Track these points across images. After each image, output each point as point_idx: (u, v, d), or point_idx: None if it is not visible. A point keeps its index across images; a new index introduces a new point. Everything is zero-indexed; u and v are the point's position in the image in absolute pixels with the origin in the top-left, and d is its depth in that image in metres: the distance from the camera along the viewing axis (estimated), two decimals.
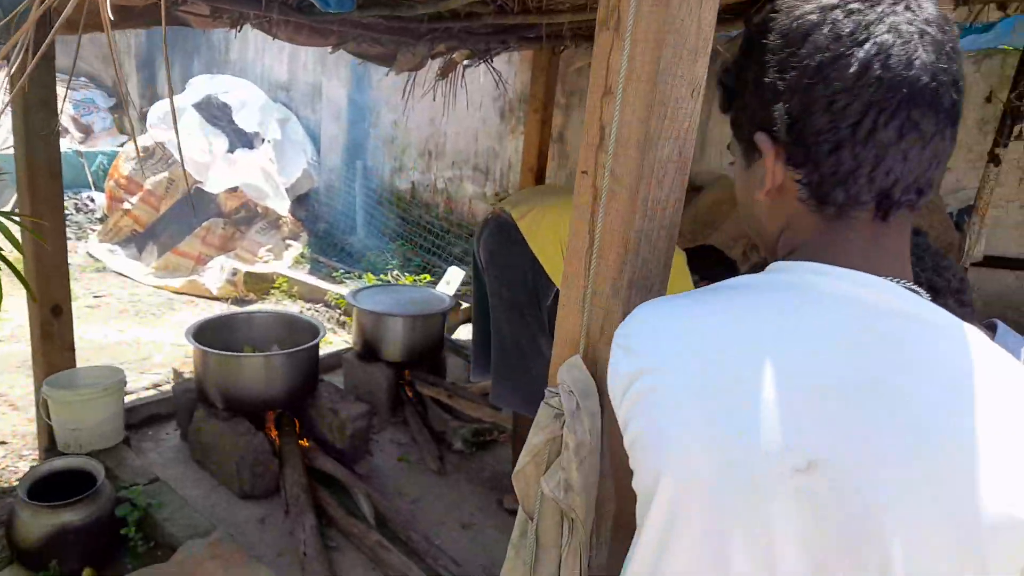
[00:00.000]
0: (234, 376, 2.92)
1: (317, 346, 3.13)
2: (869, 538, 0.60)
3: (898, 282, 0.68)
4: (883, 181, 0.66)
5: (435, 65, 4.70)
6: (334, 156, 6.73)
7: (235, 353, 2.99)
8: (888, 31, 0.63)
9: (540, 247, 2.40)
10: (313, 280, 5.55)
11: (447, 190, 6.14)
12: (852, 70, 0.63)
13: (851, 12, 0.65)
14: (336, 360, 3.95)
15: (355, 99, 6.48)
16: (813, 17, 0.66)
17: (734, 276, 0.74)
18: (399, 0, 2.70)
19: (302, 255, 6.10)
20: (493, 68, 4.18)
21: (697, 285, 2.48)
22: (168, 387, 3.70)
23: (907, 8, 0.65)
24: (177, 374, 3.76)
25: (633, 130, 1.05)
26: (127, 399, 3.09)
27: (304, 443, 3.06)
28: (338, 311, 5.18)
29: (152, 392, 3.66)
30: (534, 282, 2.42)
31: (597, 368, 1.13)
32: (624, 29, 1.01)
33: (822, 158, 0.67)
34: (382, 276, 5.58)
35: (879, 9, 0.64)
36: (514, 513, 3.10)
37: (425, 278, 5.52)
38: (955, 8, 3.14)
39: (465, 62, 4.61)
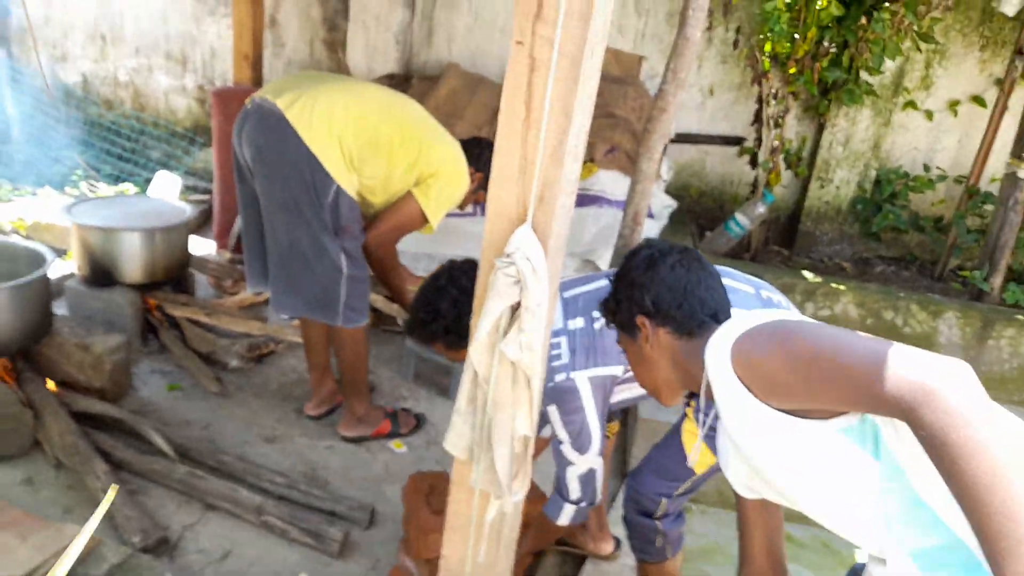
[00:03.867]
0: None
1: (47, 276, 2.59)
2: None
3: None
4: (708, 312, 1.27)
5: None
6: None
7: None
8: (679, 253, 1.29)
9: (314, 138, 2.26)
10: None
11: (133, 83, 5.24)
12: (675, 273, 1.25)
13: (663, 252, 1.28)
14: (56, 290, 3.30)
15: None
16: (647, 257, 1.28)
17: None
18: None
19: None
20: None
21: (472, 179, 2.57)
22: None
23: (695, 260, 1.29)
24: None
25: (576, 2, 1.08)
26: None
27: (53, 388, 2.58)
28: (17, 236, 4.24)
29: None
30: (312, 177, 2.28)
31: (539, 233, 1.19)
32: None
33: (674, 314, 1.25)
34: (71, 191, 4.67)
35: (675, 256, 1.27)
36: (317, 418, 3.10)
37: (125, 190, 4.76)
38: None
39: None
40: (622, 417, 1.91)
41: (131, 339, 2.99)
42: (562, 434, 1.69)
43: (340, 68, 4.80)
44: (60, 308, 3.21)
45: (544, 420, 2.02)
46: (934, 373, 0.84)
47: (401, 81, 4.54)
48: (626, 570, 2.25)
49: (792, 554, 2.41)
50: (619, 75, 4.36)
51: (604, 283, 1.77)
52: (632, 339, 1.30)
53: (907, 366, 0.86)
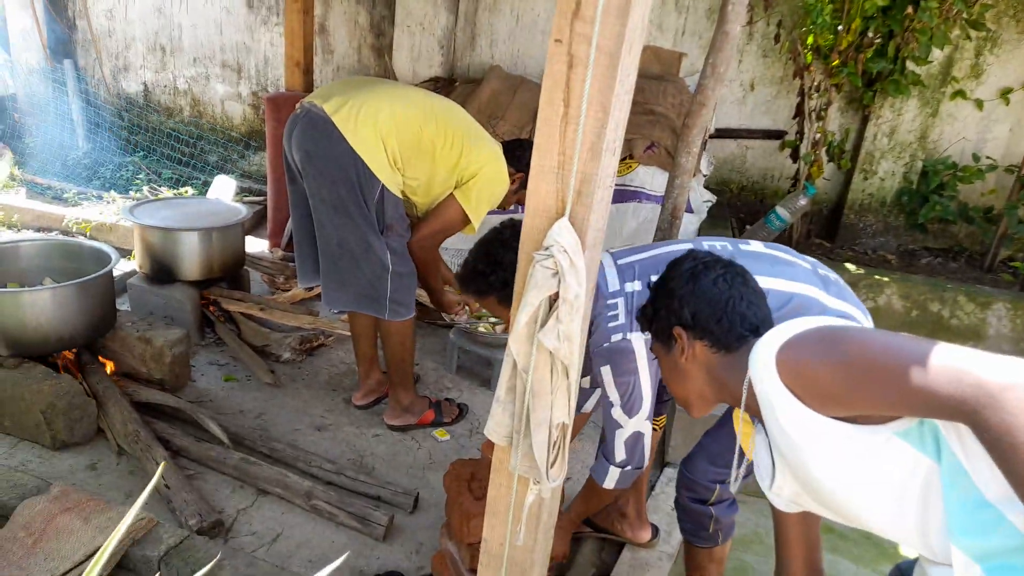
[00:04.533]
0: (19, 316, 2.48)
1: (111, 273, 2.75)
2: None
3: None
4: (748, 326, 1.27)
5: None
6: (30, 55, 5.55)
7: (18, 289, 2.51)
8: (723, 267, 1.30)
9: (361, 141, 2.35)
10: (39, 205, 4.69)
11: (191, 91, 5.46)
12: (717, 287, 1.28)
13: (707, 266, 1.31)
14: (119, 286, 3.48)
15: None
16: (689, 270, 1.31)
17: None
18: None
19: (12, 177, 5.07)
20: None
21: (512, 179, 2.61)
22: None
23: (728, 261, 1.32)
24: None
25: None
26: None
27: (116, 380, 2.74)
28: (83, 238, 4.47)
29: None
30: (358, 179, 2.37)
31: (577, 227, 1.24)
32: None
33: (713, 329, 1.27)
34: (134, 194, 4.90)
35: (718, 271, 1.29)
36: (364, 408, 3.19)
37: (185, 192, 4.97)
38: None
39: None
40: (668, 411, 1.94)
41: (190, 333, 3.14)
42: (613, 396, 1.71)
43: (386, 72, 4.92)
44: (124, 304, 3.40)
45: (592, 386, 2.06)
46: (995, 375, 0.82)
47: (445, 84, 4.64)
48: (664, 558, 2.29)
49: (832, 545, 2.42)
50: (659, 72, 4.37)
51: (660, 251, 1.79)
52: (667, 349, 1.32)
53: (966, 369, 0.84)
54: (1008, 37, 3.92)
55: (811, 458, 1.05)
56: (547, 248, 1.22)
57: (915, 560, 1.19)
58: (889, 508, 1.02)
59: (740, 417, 1.34)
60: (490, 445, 2.11)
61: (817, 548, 1.30)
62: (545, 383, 1.27)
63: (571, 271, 1.20)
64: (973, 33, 3.77)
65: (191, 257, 3.25)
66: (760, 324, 1.24)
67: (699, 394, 1.31)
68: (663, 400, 2.05)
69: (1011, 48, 3.94)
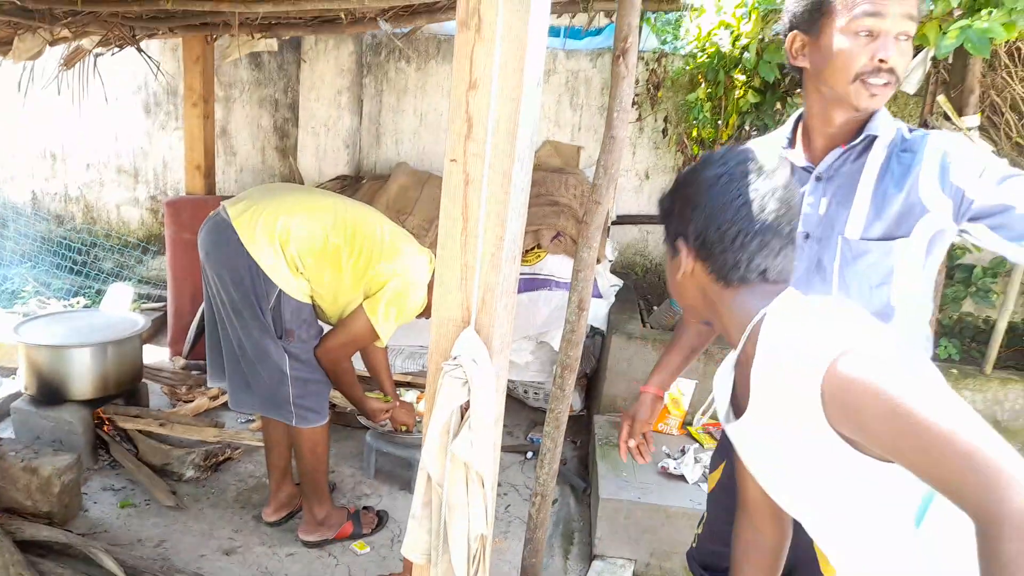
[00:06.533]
0: None
1: None
2: None
3: None
4: (755, 269, 1.09)
5: (57, 53, 4.03)
6: None
7: None
8: (753, 190, 1.08)
9: (257, 246, 2.33)
10: None
11: (84, 197, 5.27)
12: (734, 212, 1.08)
13: (733, 178, 1.09)
14: (2, 410, 3.22)
15: None
16: (713, 177, 1.10)
17: None
18: None
19: None
20: (149, 57, 3.75)
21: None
22: None
23: (767, 178, 1.09)
24: None
25: (503, 121, 1.20)
26: None
27: None
28: None
29: None
30: (252, 284, 2.34)
31: (483, 335, 1.26)
32: (489, 31, 1.15)
33: (716, 256, 1.11)
34: (20, 307, 4.60)
35: (750, 177, 1.08)
36: (276, 524, 3.05)
37: (77, 303, 4.72)
38: (574, 16, 3.83)
39: (98, 50, 4.04)
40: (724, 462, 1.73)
41: (81, 457, 2.91)
42: None
43: (291, 173, 4.93)
44: (7, 430, 3.14)
45: None
46: None
47: (352, 181, 4.69)
48: None
49: None
50: (560, 165, 4.58)
51: None
52: (671, 253, 1.18)
53: (1013, 480, 0.75)
54: None
55: (800, 464, 1.00)
56: (455, 358, 1.23)
57: None
58: (853, 541, 1.00)
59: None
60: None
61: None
62: (461, 495, 1.25)
63: (480, 379, 1.21)
64: None
65: (83, 375, 3.06)
66: (771, 272, 1.08)
67: (692, 307, 1.20)
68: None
69: None
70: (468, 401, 1.22)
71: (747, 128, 3.92)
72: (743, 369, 1.08)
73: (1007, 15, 2.21)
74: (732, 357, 1.18)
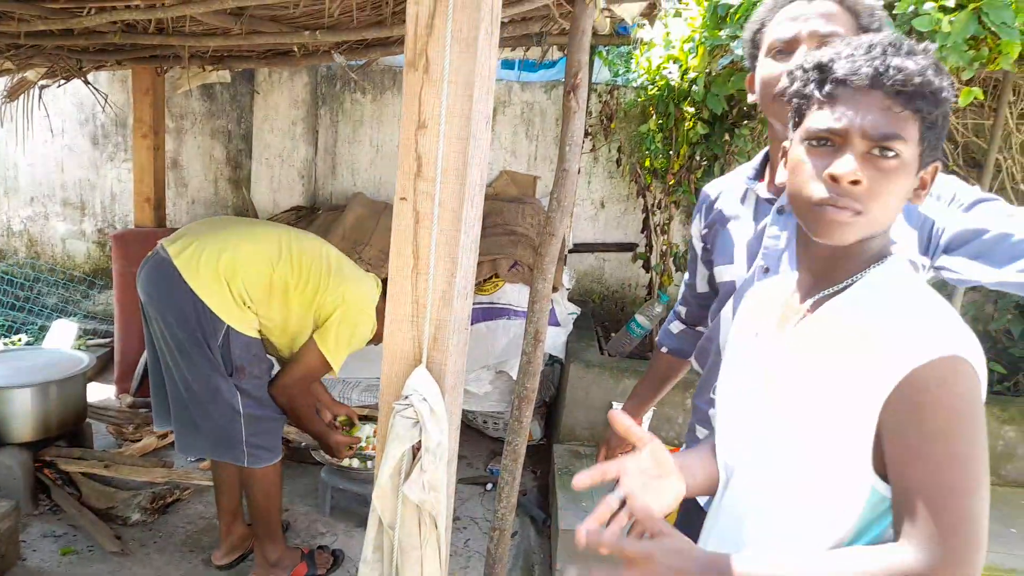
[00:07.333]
0: None
1: None
2: None
3: None
4: None
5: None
6: None
7: None
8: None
9: (201, 283, 2.28)
10: None
11: (27, 231, 5.11)
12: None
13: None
14: None
15: None
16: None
17: None
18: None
19: None
20: (95, 89, 3.68)
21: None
22: None
23: None
24: None
25: (452, 160, 1.21)
26: None
27: None
28: None
29: None
30: (198, 321, 2.29)
31: (435, 373, 1.25)
32: (437, 72, 1.16)
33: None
34: None
35: None
36: (227, 568, 2.98)
37: (17, 341, 4.54)
38: (527, 49, 3.90)
39: (43, 82, 3.95)
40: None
41: (20, 503, 2.79)
42: None
43: (245, 205, 4.86)
44: None
45: None
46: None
47: (308, 212, 4.64)
48: None
49: None
50: (517, 194, 4.62)
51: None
52: (919, 164, 0.97)
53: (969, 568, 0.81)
54: None
55: (807, 406, 0.94)
56: (406, 397, 1.21)
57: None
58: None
59: None
60: None
61: None
62: (413, 538, 1.23)
63: (432, 419, 1.20)
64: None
65: (23, 417, 2.94)
66: None
67: (888, 219, 0.95)
68: None
69: None
70: (420, 441, 1.21)
71: (697, 158, 4.01)
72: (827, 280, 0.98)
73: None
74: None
